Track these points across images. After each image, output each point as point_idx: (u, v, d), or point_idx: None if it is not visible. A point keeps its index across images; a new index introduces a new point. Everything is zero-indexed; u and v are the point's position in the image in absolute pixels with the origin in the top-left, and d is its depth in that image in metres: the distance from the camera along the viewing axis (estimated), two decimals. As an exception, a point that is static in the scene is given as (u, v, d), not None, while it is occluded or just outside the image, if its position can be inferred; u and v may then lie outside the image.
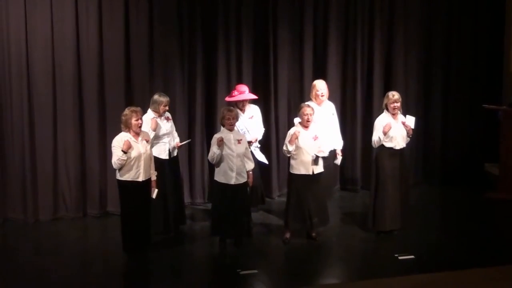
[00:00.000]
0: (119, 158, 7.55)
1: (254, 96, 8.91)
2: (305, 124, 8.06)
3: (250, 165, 8.05)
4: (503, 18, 10.92)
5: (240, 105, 8.72)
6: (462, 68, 10.87)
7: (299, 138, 8.01)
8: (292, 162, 8.10)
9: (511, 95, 10.36)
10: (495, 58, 10.96)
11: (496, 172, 10.25)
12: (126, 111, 7.68)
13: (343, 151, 9.03)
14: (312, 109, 8.10)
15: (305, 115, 8.02)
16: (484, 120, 10.77)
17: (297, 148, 8.02)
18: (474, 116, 10.88)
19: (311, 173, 8.04)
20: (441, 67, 10.83)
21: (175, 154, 8.47)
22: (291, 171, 8.13)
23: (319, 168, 8.11)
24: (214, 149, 7.82)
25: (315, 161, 8.03)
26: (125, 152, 7.51)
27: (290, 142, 7.95)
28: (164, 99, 8.28)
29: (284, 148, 8.07)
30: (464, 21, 10.82)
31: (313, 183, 8.06)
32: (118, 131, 7.84)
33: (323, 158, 8.24)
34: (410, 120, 8.28)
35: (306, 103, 8.68)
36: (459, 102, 10.89)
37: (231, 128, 7.94)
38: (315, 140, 8.05)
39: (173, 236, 8.41)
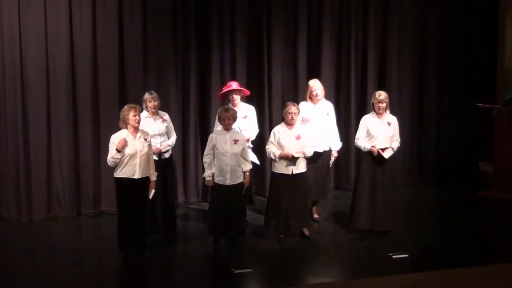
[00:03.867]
0: (112, 156, 7.55)
1: (240, 88, 8.82)
2: (289, 123, 8.05)
3: (247, 166, 8.02)
4: (497, 17, 10.95)
5: (231, 100, 8.68)
6: (456, 67, 10.90)
7: (281, 136, 8.01)
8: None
9: (505, 94, 10.37)
10: (489, 57, 10.99)
11: (490, 171, 10.28)
12: (125, 107, 7.69)
13: (339, 152, 9.01)
14: (298, 108, 8.08)
15: (289, 113, 7.98)
16: (478, 119, 10.80)
17: (280, 147, 8.03)
18: (468, 115, 10.92)
19: (290, 173, 8.02)
20: (435, 67, 10.86)
21: (166, 156, 8.39)
22: (273, 170, 8.15)
23: (299, 169, 8.05)
24: (113, 152, 7.55)
25: (295, 161, 8.01)
26: (119, 151, 7.50)
27: (280, 156, 7.94)
28: (148, 95, 8.28)
29: (272, 156, 8.04)
30: (458, 20, 10.85)
31: (292, 183, 8.02)
32: (112, 129, 7.83)
33: (312, 157, 8.24)
34: (387, 153, 8.23)
35: (302, 102, 8.70)
36: (453, 101, 10.93)
37: (227, 128, 7.92)
38: (297, 139, 8.02)
39: (163, 237, 8.37)
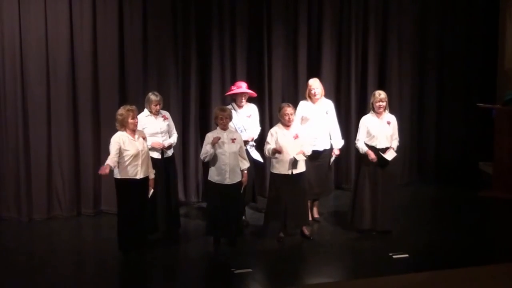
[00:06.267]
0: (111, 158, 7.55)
1: (250, 91, 8.86)
2: (286, 124, 8.05)
3: (245, 164, 8.03)
4: (497, 17, 10.94)
5: (237, 100, 8.71)
6: (456, 67, 10.89)
7: (279, 137, 8.00)
8: (273, 161, 8.10)
9: (505, 94, 10.37)
10: (489, 57, 10.98)
11: (490, 171, 10.28)
12: (122, 111, 7.65)
13: (340, 150, 9.01)
14: (293, 108, 8.09)
15: (286, 115, 7.99)
16: (478, 119, 10.79)
17: (278, 147, 8.02)
18: (469, 115, 10.91)
19: (290, 173, 8.02)
20: (435, 66, 10.85)
21: (169, 154, 8.42)
22: (272, 170, 8.14)
23: (299, 169, 8.04)
24: (207, 148, 7.80)
25: (294, 162, 7.98)
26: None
27: (272, 153, 7.95)
28: (154, 98, 8.27)
29: (266, 152, 8.07)
30: (458, 20, 10.85)
31: (292, 183, 8.02)
32: (112, 129, 7.82)
33: (313, 156, 8.24)
34: (390, 154, 8.25)
35: (302, 101, 8.71)
36: (454, 101, 10.92)
37: (224, 128, 7.92)
38: (295, 139, 8.02)
39: (163, 237, 8.36)
